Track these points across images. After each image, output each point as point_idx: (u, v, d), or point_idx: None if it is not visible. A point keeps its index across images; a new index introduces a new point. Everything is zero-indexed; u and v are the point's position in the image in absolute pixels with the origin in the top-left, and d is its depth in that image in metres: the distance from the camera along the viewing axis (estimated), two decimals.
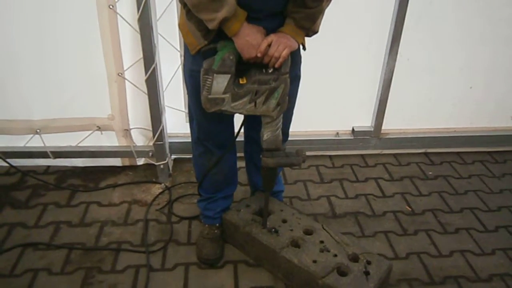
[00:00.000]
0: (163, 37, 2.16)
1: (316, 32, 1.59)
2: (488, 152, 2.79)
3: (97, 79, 2.19)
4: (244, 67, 1.51)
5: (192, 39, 1.53)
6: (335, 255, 1.70)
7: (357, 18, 2.29)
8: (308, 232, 1.83)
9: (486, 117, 2.73)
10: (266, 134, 1.62)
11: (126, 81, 2.21)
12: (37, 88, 2.22)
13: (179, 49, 2.24)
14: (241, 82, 1.50)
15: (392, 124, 2.64)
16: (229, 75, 1.47)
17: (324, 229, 1.83)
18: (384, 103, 2.53)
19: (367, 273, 1.63)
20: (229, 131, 1.82)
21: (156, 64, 2.10)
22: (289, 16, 1.50)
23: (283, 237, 1.79)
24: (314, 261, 1.67)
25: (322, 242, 1.77)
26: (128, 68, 2.17)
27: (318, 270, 1.64)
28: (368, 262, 1.68)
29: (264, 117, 1.59)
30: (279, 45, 1.45)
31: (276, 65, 1.48)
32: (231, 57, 1.45)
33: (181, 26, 1.58)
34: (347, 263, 1.67)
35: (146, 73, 2.11)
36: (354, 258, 1.70)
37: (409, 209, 2.27)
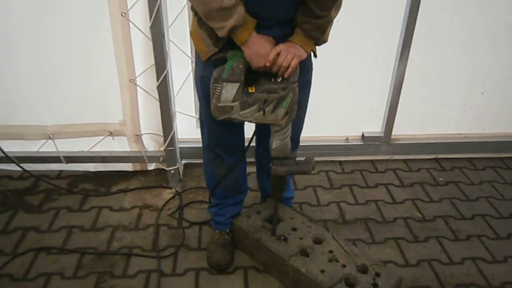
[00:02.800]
0: (174, 44, 2.18)
1: (325, 41, 1.60)
2: (500, 158, 2.76)
3: (110, 85, 2.22)
4: (253, 76, 1.52)
5: (203, 47, 1.55)
6: (344, 266, 1.69)
7: (368, 24, 2.29)
8: (317, 241, 1.81)
9: (497, 123, 2.71)
10: (275, 143, 1.62)
11: (138, 87, 2.23)
12: (50, 94, 2.26)
13: (190, 55, 2.26)
14: (250, 90, 1.52)
15: (402, 129, 2.63)
16: (238, 84, 1.49)
17: (334, 238, 1.82)
18: (394, 108, 2.52)
19: (375, 285, 1.61)
20: (239, 137, 1.83)
21: (167, 71, 2.13)
22: (299, 26, 1.51)
23: (292, 245, 1.79)
24: (322, 271, 1.66)
25: (331, 251, 1.75)
26: (140, 74, 2.20)
27: (325, 280, 1.62)
28: (377, 274, 1.65)
29: (273, 125, 1.60)
30: (287, 54, 1.46)
31: (285, 75, 1.49)
32: (240, 66, 1.47)
33: (192, 34, 1.60)
34: (355, 274, 1.65)
35: (157, 79, 2.14)
36: (363, 269, 1.68)
37: (420, 215, 2.25)
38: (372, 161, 2.70)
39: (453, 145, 2.69)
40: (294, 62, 1.46)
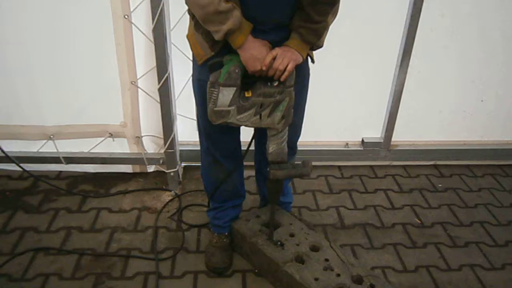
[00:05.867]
0: (176, 47, 2.19)
1: (320, 46, 1.61)
2: (499, 166, 2.77)
3: (111, 87, 2.23)
4: (250, 80, 1.53)
5: (199, 50, 1.56)
6: (338, 275, 1.67)
7: (369, 30, 2.30)
8: (314, 249, 1.80)
9: (497, 130, 2.71)
10: (272, 147, 1.63)
11: (139, 89, 2.24)
12: (52, 95, 2.27)
13: (191, 58, 2.26)
14: (246, 95, 1.53)
15: (402, 135, 2.64)
16: (234, 88, 1.50)
17: (332, 247, 1.80)
18: (394, 114, 2.53)
19: None
20: (236, 141, 1.84)
21: (169, 73, 2.13)
22: (295, 30, 1.52)
23: (288, 252, 1.78)
24: (316, 279, 1.65)
25: (327, 260, 1.74)
26: (141, 76, 2.21)
27: None
28: (372, 286, 1.63)
29: (270, 129, 1.61)
30: (283, 58, 1.47)
31: (281, 79, 1.50)
32: (236, 71, 1.48)
33: (189, 37, 1.62)
34: (349, 284, 1.63)
35: (159, 82, 2.15)
36: (358, 280, 1.66)
37: (419, 221, 2.26)
38: (372, 167, 2.71)
39: (452, 152, 2.70)
40: (290, 66, 1.47)
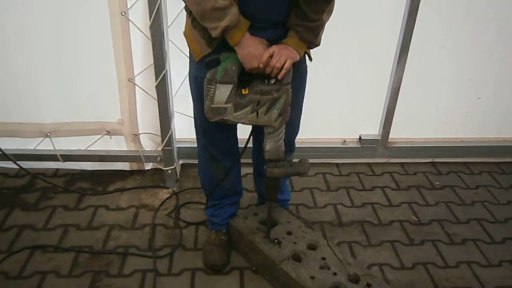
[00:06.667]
0: (174, 43, 2.19)
1: (317, 45, 1.61)
2: (496, 163, 2.78)
3: (108, 84, 2.22)
4: (247, 78, 1.53)
5: (196, 47, 1.56)
6: (335, 274, 1.66)
7: (367, 28, 2.30)
8: (311, 247, 1.80)
9: (494, 128, 2.72)
10: (269, 145, 1.62)
11: (136, 86, 2.23)
12: (49, 92, 2.26)
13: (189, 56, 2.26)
14: (243, 92, 1.53)
15: (400, 133, 2.64)
16: (231, 85, 1.49)
17: (329, 245, 1.80)
18: (391, 112, 2.53)
19: None
20: (233, 138, 1.84)
21: (166, 71, 2.13)
22: (292, 29, 1.52)
23: (285, 250, 1.77)
24: (312, 277, 1.64)
25: (324, 258, 1.73)
26: (139, 74, 2.20)
27: (314, 287, 1.61)
28: (368, 285, 1.62)
29: (267, 127, 1.61)
30: (280, 56, 1.47)
31: (279, 77, 1.50)
32: (233, 68, 1.48)
33: (186, 34, 1.62)
34: (346, 283, 1.63)
35: (156, 79, 2.14)
36: (355, 279, 1.65)
37: (416, 219, 2.26)
38: (369, 164, 2.71)
39: (450, 149, 2.71)
40: (287, 64, 1.47)
